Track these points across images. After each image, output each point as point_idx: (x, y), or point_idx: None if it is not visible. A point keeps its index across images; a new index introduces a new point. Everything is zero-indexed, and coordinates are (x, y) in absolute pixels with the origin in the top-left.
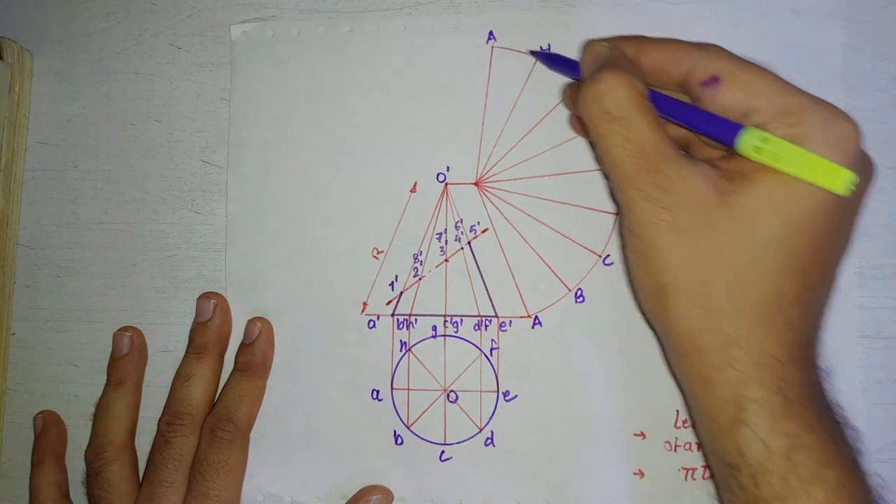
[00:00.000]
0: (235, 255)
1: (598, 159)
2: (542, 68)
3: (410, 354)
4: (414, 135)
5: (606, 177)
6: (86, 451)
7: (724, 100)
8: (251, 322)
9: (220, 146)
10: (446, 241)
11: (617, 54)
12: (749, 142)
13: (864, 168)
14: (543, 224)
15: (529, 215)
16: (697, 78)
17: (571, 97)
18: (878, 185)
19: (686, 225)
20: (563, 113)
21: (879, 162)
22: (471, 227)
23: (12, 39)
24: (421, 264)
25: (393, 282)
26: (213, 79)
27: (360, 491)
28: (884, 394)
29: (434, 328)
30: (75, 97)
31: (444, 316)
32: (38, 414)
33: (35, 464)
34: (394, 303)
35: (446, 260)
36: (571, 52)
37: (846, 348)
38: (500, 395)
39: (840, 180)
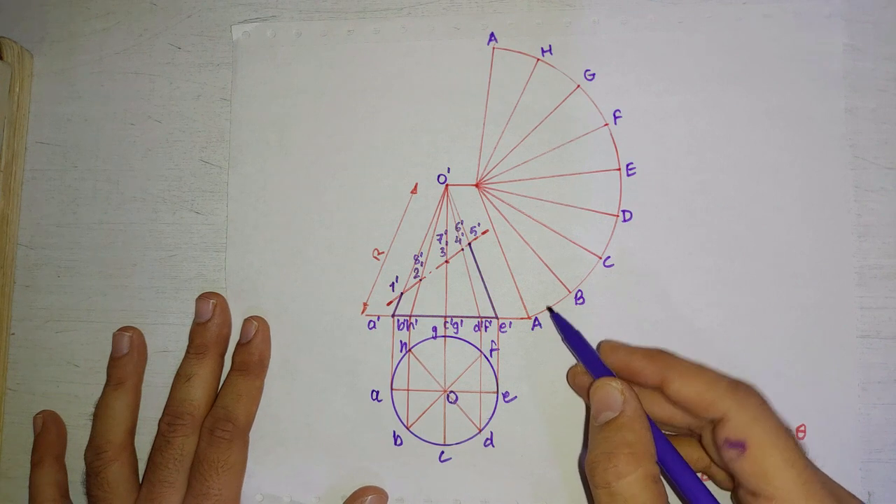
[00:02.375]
0: (235, 255)
1: None
2: (543, 70)
3: (410, 355)
4: (415, 136)
5: None
6: (85, 451)
7: (742, 471)
8: (247, 321)
9: (220, 146)
10: (447, 242)
11: (631, 416)
12: None
13: None
14: (544, 226)
15: (530, 217)
16: (726, 434)
17: (576, 382)
18: (878, 186)
19: None
20: (565, 115)
21: (879, 162)
22: (471, 228)
23: (12, 39)
24: (421, 265)
25: (393, 282)
26: (213, 79)
27: (355, 492)
28: (884, 394)
29: (434, 329)
30: (75, 97)
31: (445, 317)
32: (37, 414)
33: (35, 464)
34: (394, 303)
35: (447, 261)
36: (573, 53)
37: (846, 348)
38: (500, 396)
39: None
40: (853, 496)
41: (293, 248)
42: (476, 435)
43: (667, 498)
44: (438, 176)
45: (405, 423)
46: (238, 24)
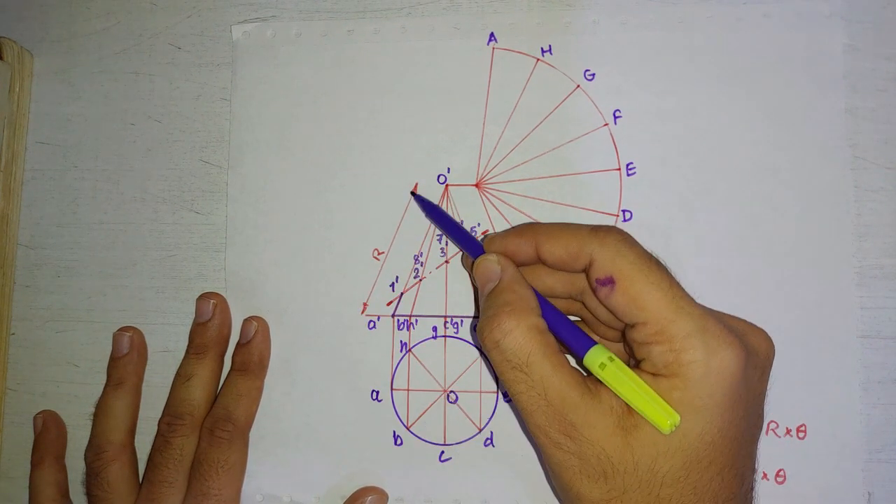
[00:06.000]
0: (235, 255)
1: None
2: (543, 70)
3: (410, 355)
4: (415, 136)
5: None
6: (86, 451)
7: (616, 305)
8: (247, 321)
9: (220, 146)
10: (447, 242)
11: (508, 280)
12: (595, 359)
13: (753, 369)
14: None
15: (530, 217)
16: (594, 274)
17: (467, 265)
18: (878, 186)
19: (595, 470)
20: (564, 115)
21: (879, 162)
22: (471, 228)
23: (12, 39)
24: (421, 265)
25: (393, 282)
26: (213, 79)
27: (355, 493)
28: (884, 394)
29: (434, 329)
30: (75, 97)
31: (445, 317)
32: (38, 414)
33: (35, 464)
34: (394, 303)
35: (447, 261)
36: (573, 53)
37: (846, 348)
38: (500, 396)
39: (666, 422)
40: (730, 315)
41: (293, 248)
42: (476, 435)
43: (556, 347)
44: (438, 176)
45: (405, 423)
46: (238, 24)
